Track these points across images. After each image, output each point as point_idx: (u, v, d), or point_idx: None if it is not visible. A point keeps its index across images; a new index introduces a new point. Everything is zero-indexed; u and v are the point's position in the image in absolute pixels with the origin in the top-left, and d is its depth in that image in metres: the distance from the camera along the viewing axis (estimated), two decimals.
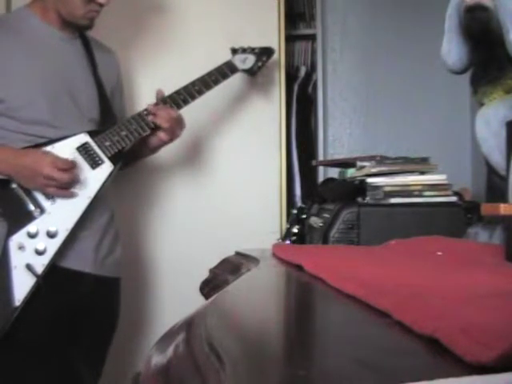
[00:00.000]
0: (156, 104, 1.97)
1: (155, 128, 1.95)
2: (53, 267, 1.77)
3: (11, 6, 2.25)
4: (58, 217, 1.77)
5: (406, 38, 3.00)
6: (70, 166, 1.77)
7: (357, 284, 0.68)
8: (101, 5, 1.82)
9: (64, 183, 1.75)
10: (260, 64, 2.25)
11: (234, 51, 2.20)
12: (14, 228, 1.74)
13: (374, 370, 0.40)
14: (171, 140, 1.99)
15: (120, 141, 1.89)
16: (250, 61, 2.21)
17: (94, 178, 1.83)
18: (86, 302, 1.88)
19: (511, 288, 0.69)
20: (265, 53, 2.27)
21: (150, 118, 1.94)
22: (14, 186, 1.77)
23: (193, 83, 2.04)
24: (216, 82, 2.08)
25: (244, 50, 2.21)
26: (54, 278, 1.77)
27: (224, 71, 2.10)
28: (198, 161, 2.39)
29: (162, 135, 1.96)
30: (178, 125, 1.98)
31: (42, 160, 1.74)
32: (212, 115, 2.36)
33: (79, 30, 1.92)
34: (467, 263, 0.94)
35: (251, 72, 2.24)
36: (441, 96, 2.94)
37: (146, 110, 1.96)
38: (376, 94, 3.02)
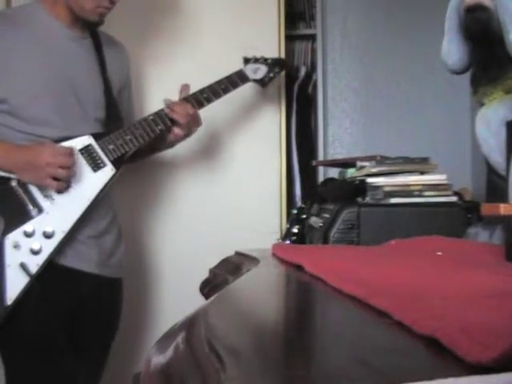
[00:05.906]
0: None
1: (172, 124, 1.96)
2: (54, 266, 1.77)
3: (11, 5, 2.25)
4: (55, 217, 1.76)
5: (405, 38, 3.00)
6: (70, 151, 1.76)
7: (357, 284, 0.68)
8: (111, 1, 1.79)
9: (65, 166, 1.73)
10: (272, 75, 2.22)
11: (247, 61, 2.18)
12: (10, 226, 1.73)
13: (373, 370, 0.40)
14: (186, 136, 2.02)
15: (124, 145, 1.88)
16: (261, 71, 2.18)
17: (94, 181, 1.83)
18: (87, 302, 1.88)
19: (511, 288, 0.69)
20: (277, 64, 2.24)
21: (167, 111, 1.95)
22: (13, 184, 1.76)
23: (202, 91, 2.02)
24: (226, 91, 2.06)
25: (256, 60, 2.19)
26: (54, 277, 1.77)
27: (234, 80, 2.09)
28: (198, 161, 2.39)
29: (176, 130, 1.98)
30: (194, 122, 2.00)
31: (42, 152, 1.73)
32: (211, 115, 2.36)
33: (89, 26, 1.88)
34: (467, 263, 0.94)
35: (262, 82, 2.21)
36: (441, 96, 2.94)
37: (151, 115, 1.96)
38: (376, 94, 3.02)
